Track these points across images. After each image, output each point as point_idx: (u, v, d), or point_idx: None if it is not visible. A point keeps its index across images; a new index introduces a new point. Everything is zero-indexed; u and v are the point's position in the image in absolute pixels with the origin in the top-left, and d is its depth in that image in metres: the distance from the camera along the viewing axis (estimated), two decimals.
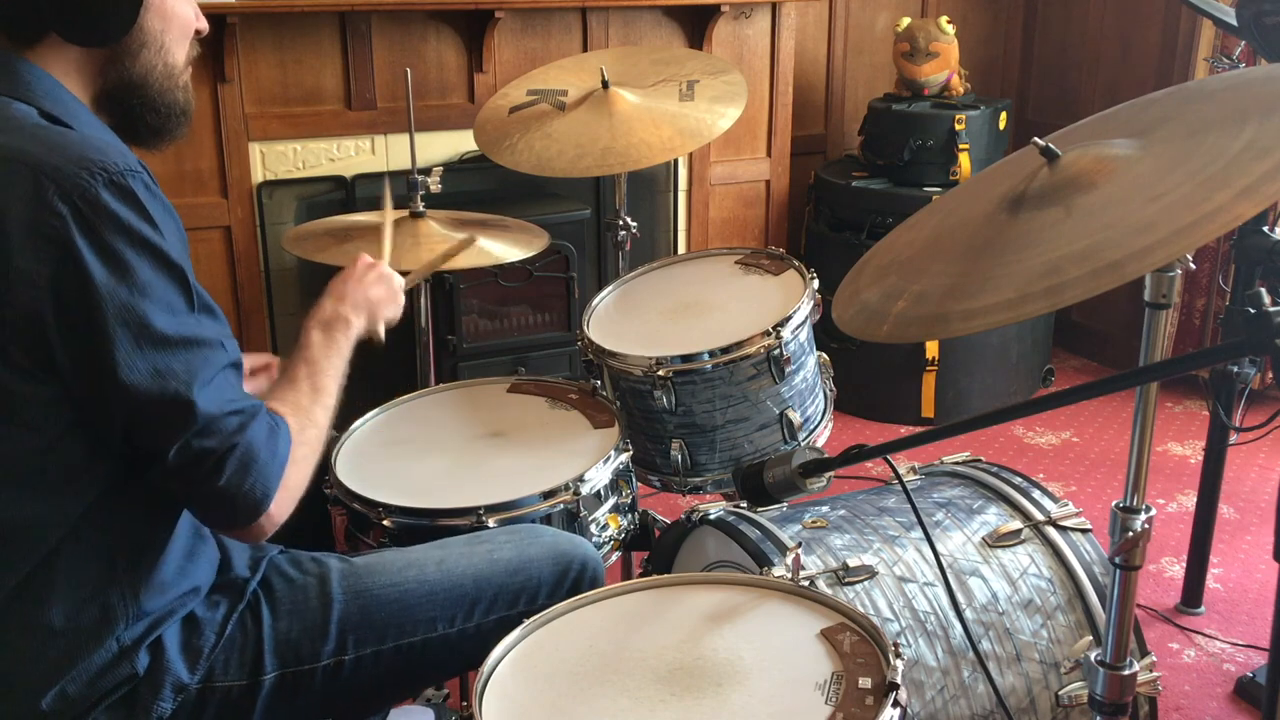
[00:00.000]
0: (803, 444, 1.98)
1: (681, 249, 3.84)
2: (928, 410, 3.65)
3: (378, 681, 1.40)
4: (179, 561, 1.28)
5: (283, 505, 1.25)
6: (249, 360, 1.63)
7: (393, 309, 1.57)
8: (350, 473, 1.72)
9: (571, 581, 1.49)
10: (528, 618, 1.28)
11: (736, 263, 2.20)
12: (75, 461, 1.18)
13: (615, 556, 1.79)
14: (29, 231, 1.11)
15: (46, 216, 1.11)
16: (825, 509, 1.72)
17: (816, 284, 2.02)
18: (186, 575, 1.29)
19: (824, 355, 2.11)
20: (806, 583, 1.35)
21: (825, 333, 1.97)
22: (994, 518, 1.68)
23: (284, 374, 1.39)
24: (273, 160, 3.22)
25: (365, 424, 1.89)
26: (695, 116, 2.20)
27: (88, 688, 1.21)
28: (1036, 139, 1.16)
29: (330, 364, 1.41)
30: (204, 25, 1.36)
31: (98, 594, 1.21)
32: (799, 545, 1.51)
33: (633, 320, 2.11)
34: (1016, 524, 1.66)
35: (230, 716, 1.31)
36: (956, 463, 1.87)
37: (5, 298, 1.11)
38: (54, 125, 1.20)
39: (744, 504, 1.69)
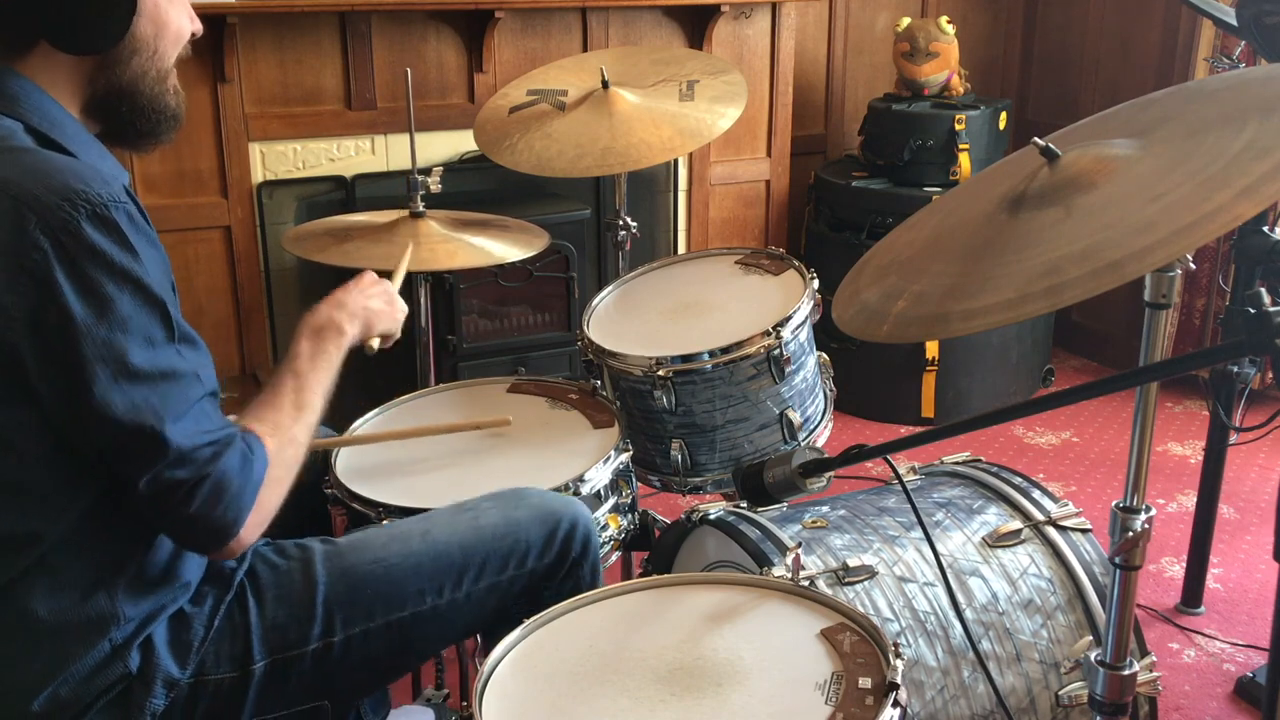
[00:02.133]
0: (803, 444, 1.98)
1: (681, 249, 3.84)
2: (928, 410, 3.65)
3: (370, 660, 1.39)
4: (167, 560, 1.28)
5: (254, 528, 1.24)
6: None
7: (389, 323, 1.56)
8: (350, 473, 1.72)
9: (561, 540, 1.48)
10: (519, 582, 1.26)
11: (736, 263, 2.20)
12: (59, 480, 1.18)
13: (615, 556, 1.79)
14: (8, 263, 1.10)
15: (27, 249, 1.10)
16: (825, 509, 1.72)
17: (816, 284, 2.02)
18: (175, 573, 1.29)
19: (824, 355, 2.11)
20: (806, 583, 1.35)
21: (825, 333, 1.97)
22: (994, 518, 1.68)
23: (270, 386, 1.37)
24: (273, 160, 3.22)
25: (365, 424, 1.89)
26: (695, 116, 2.20)
27: (80, 689, 1.21)
28: (1036, 139, 1.16)
29: (317, 378, 1.39)
30: (198, 28, 1.34)
31: (87, 596, 1.21)
32: (799, 545, 1.51)
33: (633, 320, 2.11)
34: (1016, 524, 1.66)
35: (224, 708, 1.30)
36: (956, 463, 1.87)
37: None
38: (39, 148, 1.19)
39: (744, 504, 1.69)
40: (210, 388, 1.23)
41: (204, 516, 1.19)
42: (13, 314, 1.11)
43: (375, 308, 1.53)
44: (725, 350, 1.89)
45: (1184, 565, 2.65)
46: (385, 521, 1.60)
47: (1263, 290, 1.03)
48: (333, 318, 1.46)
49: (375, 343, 1.55)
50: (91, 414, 1.13)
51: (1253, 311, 0.97)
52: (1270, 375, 3.45)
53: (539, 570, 1.47)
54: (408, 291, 1.73)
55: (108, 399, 1.13)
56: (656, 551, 1.80)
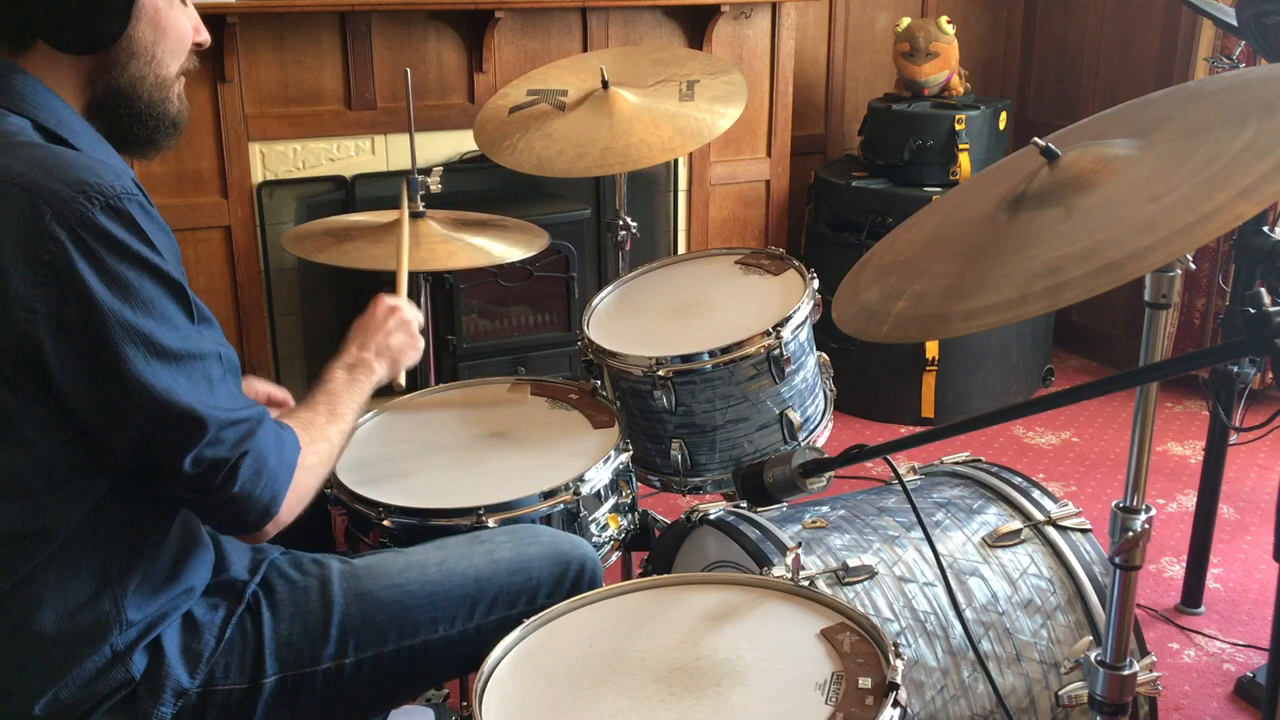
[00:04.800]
0: (803, 444, 1.98)
1: (681, 249, 3.84)
2: (928, 410, 3.65)
3: (379, 684, 1.40)
4: (172, 564, 1.28)
5: (291, 508, 1.27)
6: (262, 385, 1.67)
7: (413, 355, 1.60)
8: (350, 473, 1.72)
9: (571, 581, 1.50)
10: (527, 618, 1.28)
11: (736, 263, 2.20)
12: (69, 477, 1.18)
13: (615, 556, 1.79)
14: (25, 256, 1.10)
15: (44, 241, 1.10)
16: (825, 509, 1.72)
17: (816, 284, 2.01)
18: (180, 578, 1.29)
19: (824, 355, 2.11)
20: (806, 583, 1.35)
21: (825, 333, 1.97)
22: (994, 518, 1.68)
23: (302, 402, 1.42)
24: (273, 160, 3.22)
25: (365, 424, 1.89)
26: (695, 116, 2.20)
27: (82, 693, 1.21)
28: (1036, 139, 1.16)
29: (350, 398, 1.45)
30: (205, 38, 1.34)
31: (90, 600, 1.21)
32: (799, 545, 1.51)
33: (633, 320, 2.11)
34: (1016, 524, 1.66)
35: None
36: (956, 463, 1.87)
37: None
38: (49, 143, 1.19)
39: (744, 504, 1.69)
40: (232, 365, 1.25)
41: (248, 495, 1.22)
42: (34, 306, 1.11)
43: (398, 344, 1.57)
44: (725, 350, 1.89)
45: (1184, 565, 2.65)
46: (386, 522, 1.60)
47: (1263, 290, 1.03)
48: (363, 357, 1.52)
49: (403, 380, 1.61)
50: (129, 396, 1.14)
51: (1253, 311, 0.97)
52: (1270, 375, 3.45)
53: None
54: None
55: (144, 379, 1.14)
56: (656, 551, 1.80)
